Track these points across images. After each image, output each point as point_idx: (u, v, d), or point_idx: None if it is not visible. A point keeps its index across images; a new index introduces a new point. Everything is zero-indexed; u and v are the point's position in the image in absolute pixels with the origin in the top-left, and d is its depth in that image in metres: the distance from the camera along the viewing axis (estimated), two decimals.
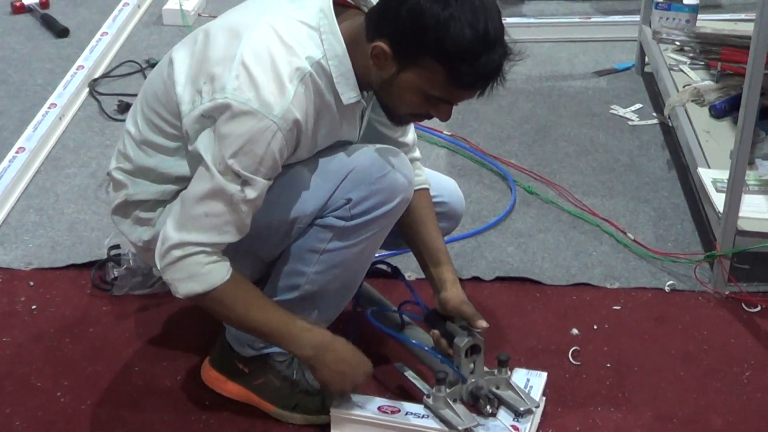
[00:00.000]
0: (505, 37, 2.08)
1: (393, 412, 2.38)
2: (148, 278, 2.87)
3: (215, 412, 2.49)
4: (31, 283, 2.93)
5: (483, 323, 2.38)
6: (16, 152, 3.44)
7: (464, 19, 2.00)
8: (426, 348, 2.44)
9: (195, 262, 2.13)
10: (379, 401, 2.41)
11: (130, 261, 2.88)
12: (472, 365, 2.39)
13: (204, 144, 2.11)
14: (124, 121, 3.51)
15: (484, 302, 2.70)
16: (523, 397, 2.42)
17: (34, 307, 2.84)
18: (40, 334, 2.73)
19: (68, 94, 3.83)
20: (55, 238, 3.11)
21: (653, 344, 2.76)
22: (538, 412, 2.45)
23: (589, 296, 2.95)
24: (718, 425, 2.50)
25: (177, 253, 2.13)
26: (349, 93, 2.17)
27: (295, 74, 2.09)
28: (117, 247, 2.94)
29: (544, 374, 2.55)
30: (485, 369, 2.42)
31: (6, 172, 3.33)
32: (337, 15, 2.15)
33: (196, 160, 2.18)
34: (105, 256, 2.94)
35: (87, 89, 3.96)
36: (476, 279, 2.96)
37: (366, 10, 2.18)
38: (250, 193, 2.10)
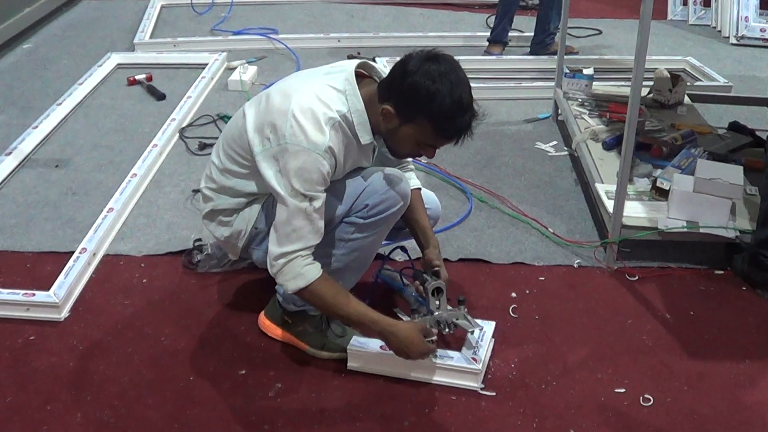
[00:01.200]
0: (474, 104, 2.13)
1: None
2: (221, 261, 2.87)
3: (269, 349, 2.51)
4: (143, 265, 2.94)
5: (443, 273, 2.42)
6: (131, 177, 3.44)
7: (446, 91, 2.04)
8: (413, 294, 2.51)
9: (296, 265, 2.13)
10: (381, 342, 2.38)
11: (209, 249, 2.88)
12: (437, 302, 2.40)
13: (276, 180, 2.12)
14: (204, 155, 3.69)
15: (451, 276, 2.71)
16: (471, 322, 2.44)
17: (144, 281, 2.85)
18: (149, 299, 2.74)
19: (165, 137, 3.82)
20: (158, 235, 3.12)
21: (567, 303, 2.77)
22: (489, 348, 2.45)
23: (523, 271, 2.94)
24: (610, 356, 2.52)
25: (282, 261, 2.14)
26: (365, 136, 2.21)
27: (329, 122, 2.14)
28: (200, 240, 2.95)
29: (493, 323, 2.57)
30: (448, 308, 2.42)
31: (125, 190, 3.33)
32: (357, 82, 2.19)
33: (262, 183, 2.21)
34: (191, 246, 2.95)
35: (177, 134, 3.95)
36: (446, 260, 2.91)
37: (377, 80, 2.23)
38: (316, 204, 2.13)
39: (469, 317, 2.44)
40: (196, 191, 3.26)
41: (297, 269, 2.14)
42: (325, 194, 2.14)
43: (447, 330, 2.39)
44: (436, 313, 2.40)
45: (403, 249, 2.69)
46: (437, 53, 2.09)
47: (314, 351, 2.46)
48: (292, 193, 2.09)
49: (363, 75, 2.24)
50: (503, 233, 3.16)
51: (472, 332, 2.42)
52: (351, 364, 2.42)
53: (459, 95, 2.05)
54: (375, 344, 2.41)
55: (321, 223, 2.15)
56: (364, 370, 2.41)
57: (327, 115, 2.12)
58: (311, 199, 2.10)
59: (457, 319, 2.43)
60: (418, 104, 2.06)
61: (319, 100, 2.13)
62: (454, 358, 2.37)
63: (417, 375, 2.38)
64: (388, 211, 2.26)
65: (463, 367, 2.36)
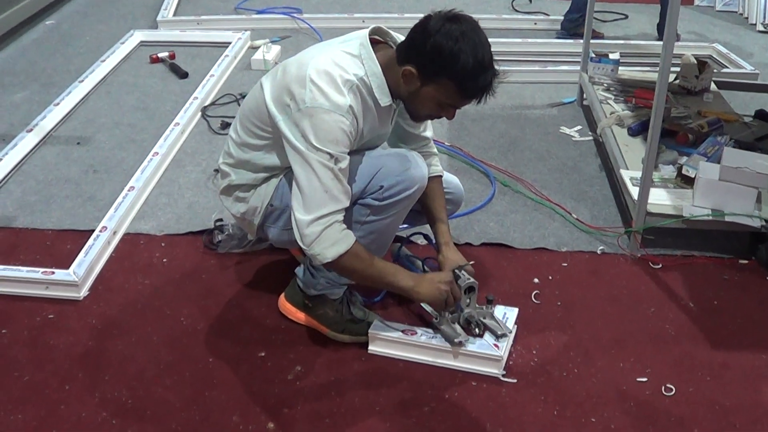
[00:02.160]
0: (495, 63, 2.10)
1: (411, 334, 2.39)
2: (242, 241, 2.85)
3: (289, 332, 2.50)
4: (163, 244, 2.93)
5: (470, 267, 2.41)
6: (152, 155, 3.43)
7: (468, 51, 2.02)
8: None
9: (334, 231, 2.09)
10: (403, 327, 2.42)
11: (230, 229, 2.87)
12: (468, 300, 2.39)
13: (300, 145, 2.08)
14: (225, 134, 3.61)
15: (473, 260, 2.68)
16: (501, 325, 2.43)
17: (165, 260, 2.84)
18: (169, 279, 2.73)
19: (187, 116, 3.81)
20: (179, 214, 3.11)
21: (589, 289, 2.75)
22: (512, 335, 2.45)
23: (545, 257, 2.92)
24: (632, 344, 2.50)
25: (317, 227, 2.08)
26: (384, 99, 2.18)
27: (347, 84, 2.11)
28: (220, 220, 2.93)
29: (516, 309, 2.55)
30: (476, 305, 2.41)
31: (146, 169, 3.32)
32: (372, 48, 2.17)
33: (283, 155, 2.19)
34: (212, 226, 2.93)
35: (200, 113, 3.93)
36: (468, 244, 2.93)
37: (393, 45, 2.21)
38: (342, 164, 2.09)
39: (498, 319, 2.44)
40: (218, 171, 3.22)
41: (336, 234, 2.10)
42: (349, 157, 2.11)
43: (477, 330, 2.38)
44: (467, 311, 2.38)
45: (427, 237, 2.67)
46: (457, 14, 2.07)
47: (334, 334, 2.45)
48: (317, 154, 2.06)
49: (377, 41, 2.21)
50: (526, 218, 3.13)
51: (500, 336, 2.39)
52: (372, 348, 2.41)
53: (481, 54, 2.03)
54: (396, 328, 2.40)
55: (347, 185, 2.11)
56: (385, 355, 2.40)
57: (344, 77, 2.10)
58: (337, 159, 2.07)
59: (484, 318, 2.42)
60: (441, 64, 2.04)
61: (336, 64, 2.10)
62: (476, 344, 2.36)
63: (438, 360, 2.37)
64: (404, 193, 2.22)
65: (484, 353, 2.34)
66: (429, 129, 2.53)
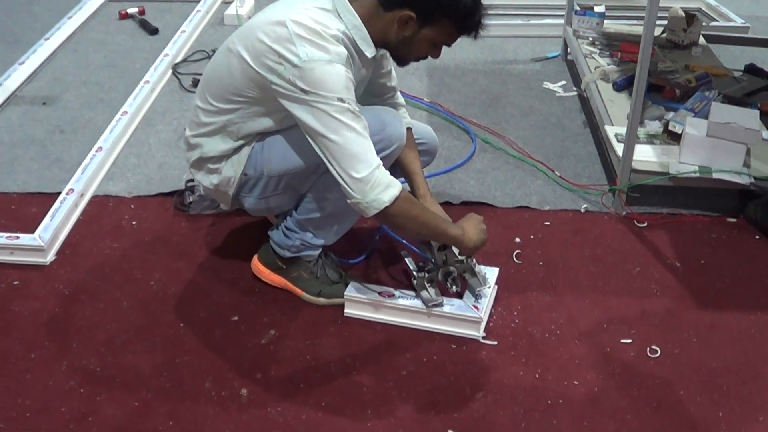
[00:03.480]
0: None
1: (388, 296, 2.37)
2: (214, 202, 2.80)
3: (263, 295, 2.48)
4: (132, 206, 2.89)
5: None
6: (121, 114, 3.39)
7: None
8: (415, 248, 2.50)
9: (383, 174, 2.05)
10: (380, 288, 2.40)
11: (201, 190, 2.82)
12: (444, 256, 2.37)
13: (305, 110, 2.02)
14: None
15: (453, 220, 2.67)
16: (480, 278, 2.40)
17: (134, 222, 2.81)
18: (138, 242, 2.70)
19: (157, 74, 3.77)
20: (149, 175, 3.07)
21: (572, 249, 2.74)
22: (492, 295, 2.44)
23: (527, 215, 2.91)
24: (616, 305, 2.49)
25: (364, 172, 2.02)
26: (369, 50, 2.16)
27: (333, 37, 2.07)
28: (192, 181, 2.88)
29: (496, 269, 2.54)
30: (455, 259, 2.38)
31: (115, 129, 3.28)
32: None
33: (252, 122, 2.16)
34: (183, 187, 2.90)
35: (170, 70, 3.88)
36: (447, 203, 2.91)
37: None
38: (355, 106, 2.05)
39: (478, 271, 2.42)
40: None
41: (386, 178, 2.06)
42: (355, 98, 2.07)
43: (455, 288, 2.35)
44: (443, 267, 2.37)
45: None
46: None
47: (310, 297, 2.44)
48: (336, 105, 2.00)
49: None
50: (508, 176, 3.12)
51: (478, 293, 2.38)
52: (348, 311, 2.40)
53: None
54: (373, 290, 2.39)
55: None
56: (362, 317, 2.39)
57: (328, 32, 2.05)
58: (350, 102, 2.03)
59: (464, 273, 2.40)
60: (441, 3, 2.07)
61: (314, 20, 2.06)
62: (455, 305, 2.34)
63: (416, 322, 2.35)
64: (383, 152, 2.19)
65: (464, 315, 2.33)
66: (394, 79, 2.50)
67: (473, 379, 2.21)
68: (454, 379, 2.20)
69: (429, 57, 2.22)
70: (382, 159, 2.16)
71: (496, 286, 2.48)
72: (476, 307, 2.35)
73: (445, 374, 2.22)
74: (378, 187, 2.04)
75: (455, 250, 2.36)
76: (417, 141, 2.49)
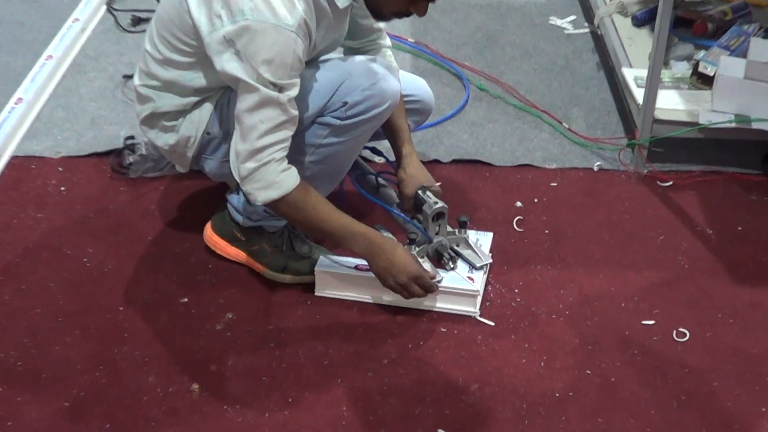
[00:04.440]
0: None
1: (366, 270, 2.34)
2: (158, 163, 2.81)
3: (217, 272, 2.48)
4: (60, 169, 2.87)
5: (437, 188, 2.44)
6: (46, 59, 3.35)
7: None
8: (395, 211, 2.45)
9: (269, 172, 2.09)
10: (357, 261, 2.37)
11: (143, 149, 2.81)
12: (437, 228, 2.39)
13: (233, 66, 2.04)
14: (138, 32, 3.59)
15: (442, 181, 2.66)
16: (478, 254, 2.42)
17: (63, 188, 2.78)
18: (68, 211, 2.69)
19: (89, 10, 3.72)
20: (80, 131, 3.04)
21: (584, 214, 2.75)
22: (488, 266, 2.45)
23: (530, 175, 2.91)
24: (636, 280, 2.50)
25: (251, 165, 2.09)
26: (342, 2, 2.16)
27: None
28: (132, 137, 2.87)
29: (490, 234, 2.56)
30: (447, 229, 2.41)
31: (37, 76, 3.24)
32: None
33: (213, 75, 2.15)
34: (122, 145, 2.87)
35: (105, 6, 3.84)
36: (436, 161, 2.93)
37: None
38: (291, 92, 2.07)
39: (473, 245, 2.44)
40: (128, 77, 3.19)
41: (271, 176, 2.10)
42: (299, 80, 2.10)
43: (451, 265, 2.38)
44: (437, 240, 2.39)
45: (376, 151, 2.66)
46: None
47: (273, 274, 2.44)
48: (259, 80, 2.03)
49: None
50: (507, 129, 3.12)
51: (478, 268, 2.39)
52: (319, 290, 2.40)
53: None
54: (348, 264, 2.39)
55: (296, 112, 2.11)
56: (336, 297, 2.40)
57: None
58: (282, 88, 2.05)
59: (458, 245, 2.43)
60: None
61: None
62: (445, 277, 2.35)
63: (399, 301, 2.34)
64: (372, 111, 2.21)
65: (456, 288, 2.34)
66: None
67: (467, 368, 2.20)
68: (444, 369, 2.20)
69: (414, 14, 2.23)
70: (369, 119, 2.21)
71: (491, 255, 2.48)
72: (471, 279, 2.35)
73: (434, 363, 2.21)
74: (256, 183, 2.11)
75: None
76: (407, 97, 2.49)
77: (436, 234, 2.39)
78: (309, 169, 2.27)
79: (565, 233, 2.66)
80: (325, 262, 2.41)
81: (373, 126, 2.28)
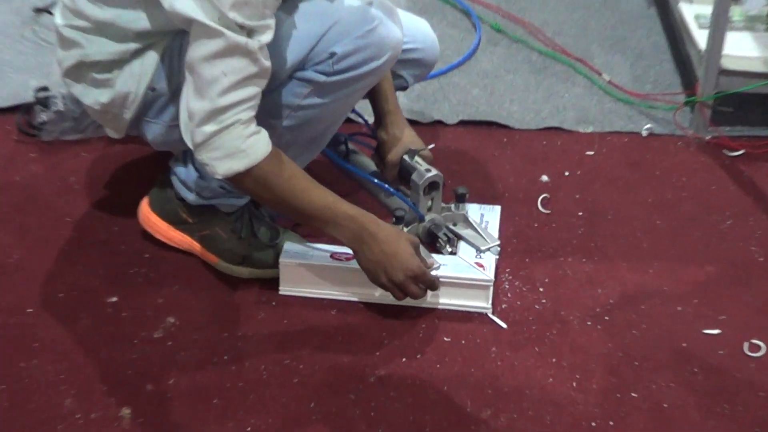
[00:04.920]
0: None
1: (348, 259, 2.36)
2: (79, 122, 2.81)
3: (156, 264, 2.49)
4: None
5: (427, 152, 2.50)
6: None
7: None
8: (375, 180, 2.50)
9: (234, 137, 2.07)
10: (332, 248, 2.40)
11: (60, 104, 2.81)
12: (429, 202, 2.42)
13: (187, 4, 2.00)
14: None
15: (446, 148, 2.66)
16: (482, 233, 2.43)
17: None
18: None
19: None
20: None
21: (628, 191, 2.76)
22: (496, 251, 2.48)
23: (560, 141, 2.94)
24: (696, 277, 2.49)
25: (210, 127, 2.06)
26: None
27: None
28: (45, 89, 2.87)
29: (497, 208, 2.60)
30: (442, 205, 2.45)
31: None
32: None
33: (161, 15, 2.12)
34: (32, 99, 2.88)
35: None
36: (439, 123, 2.94)
37: None
38: (263, 38, 2.04)
39: (475, 222, 2.46)
40: (40, 11, 3.21)
41: (235, 142, 2.07)
42: (274, 21, 2.07)
43: (449, 249, 2.41)
44: (429, 217, 2.41)
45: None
46: None
47: (229, 266, 2.46)
48: (222, 22, 1.99)
49: None
50: (530, 82, 3.15)
51: (485, 252, 2.41)
52: (286, 287, 2.41)
53: None
54: (322, 253, 2.40)
55: (269, 63, 2.09)
56: (307, 295, 2.40)
57: None
58: (252, 31, 2.02)
59: (455, 225, 2.45)
60: None
61: None
62: (448, 264, 2.37)
63: (389, 299, 2.33)
64: (367, 65, 2.21)
65: (462, 278, 2.35)
66: None
67: (477, 389, 2.18)
68: (448, 390, 2.18)
69: None
70: (362, 74, 2.21)
71: (498, 239, 2.51)
72: (480, 265, 2.36)
73: (434, 382, 2.20)
74: (216, 151, 2.08)
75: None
76: (404, 45, 2.44)
77: (429, 210, 2.41)
78: (282, 137, 2.27)
79: (604, 216, 2.67)
80: (292, 250, 2.41)
81: (367, 84, 2.30)
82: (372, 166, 2.57)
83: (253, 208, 2.47)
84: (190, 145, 2.13)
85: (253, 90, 2.08)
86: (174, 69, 2.25)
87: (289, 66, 2.20)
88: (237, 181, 2.14)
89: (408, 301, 2.33)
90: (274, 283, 2.42)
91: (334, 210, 2.21)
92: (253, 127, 2.10)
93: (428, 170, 2.39)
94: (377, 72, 2.25)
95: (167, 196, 2.48)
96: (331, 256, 2.39)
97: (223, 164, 2.09)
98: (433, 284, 2.29)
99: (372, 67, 2.22)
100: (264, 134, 2.12)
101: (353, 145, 2.61)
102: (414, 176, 2.39)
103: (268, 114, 2.21)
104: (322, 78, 2.20)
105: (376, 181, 2.48)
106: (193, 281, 2.45)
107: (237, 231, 2.45)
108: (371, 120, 2.61)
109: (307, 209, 2.21)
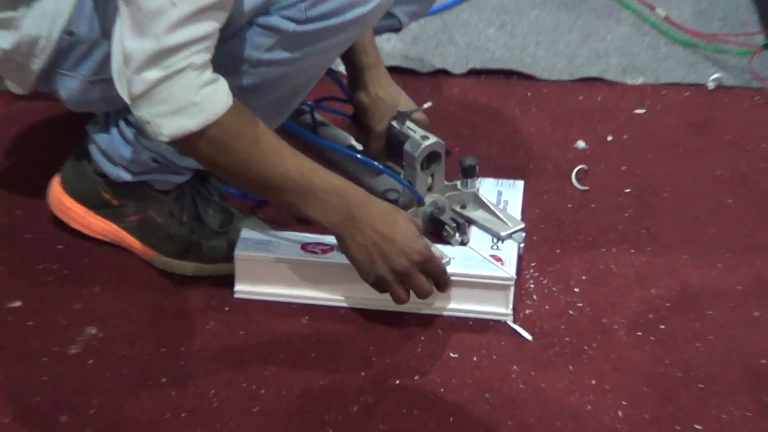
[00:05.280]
0: None
1: (324, 251, 2.38)
2: None
3: (72, 259, 2.50)
4: None
5: (421, 115, 2.55)
6: None
7: None
8: (358, 156, 2.55)
9: (185, 86, 2.03)
10: (303, 237, 2.40)
11: None
12: (429, 179, 2.44)
13: None
14: None
15: (451, 105, 2.65)
16: (501, 217, 2.45)
17: None
18: None
19: None
20: None
21: (691, 161, 2.79)
22: (521, 239, 2.49)
23: (601, 96, 2.99)
24: None
25: (154, 74, 2.01)
26: None
27: None
28: None
29: (520, 183, 2.64)
30: (446, 182, 2.47)
31: None
32: None
33: None
34: None
35: None
36: (443, 73, 2.99)
37: None
38: None
39: (489, 202, 2.48)
40: None
41: (187, 93, 2.04)
42: None
43: (458, 236, 2.42)
44: (430, 199, 2.44)
45: None
46: None
47: (167, 261, 2.48)
48: None
49: None
50: (562, 19, 3.24)
51: (504, 238, 2.43)
52: (242, 288, 2.42)
53: None
54: (290, 243, 2.40)
55: None
56: (269, 298, 2.41)
57: None
58: None
59: (463, 208, 2.47)
60: None
61: None
62: (456, 258, 2.37)
63: (378, 301, 2.35)
64: (350, 12, 2.21)
65: (475, 275, 2.34)
66: None
67: (493, 420, 2.17)
68: (455, 423, 2.16)
69: None
70: (343, 24, 2.21)
71: (524, 229, 2.51)
72: (498, 259, 2.35)
73: (437, 412, 2.18)
74: (161, 105, 2.04)
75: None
76: None
77: (429, 190, 2.43)
78: (243, 90, 2.27)
79: (659, 193, 2.70)
80: (251, 240, 2.41)
81: (348, 38, 2.32)
82: (348, 139, 2.61)
83: (198, 184, 2.47)
84: (125, 98, 2.07)
85: (210, 26, 2.04)
86: (100, 7, 2.23)
87: (248, 8, 2.19)
88: (188, 144, 2.10)
89: (406, 306, 2.33)
90: (227, 281, 2.42)
91: (312, 180, 2.18)
92: (209, 74, 2.06)
93: (425, 137, 2.40)
94: (362, 21, 2.25)
95: (84, 171, 2.48)
96: (303, 248, 2.38)
97: (170, 122, 2.05)
98: (445, 276, 2.28)
99: (356, 15, 2.21)
100: (223, 84, 2.08)
101: (320, 115, 2.65)
102: (407, 146, 2.40)
103: (218, 69, 2.18)
104: (291, 26, 2.19)
105: (359, 156, 2.50)
106: (120, 281, 2.45)
107: (177, 214, 2.46)
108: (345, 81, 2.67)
109: (278, 180, 2.17)
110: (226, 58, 2.19)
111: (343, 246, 2.24)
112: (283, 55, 2.23)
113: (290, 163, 2.18)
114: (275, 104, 2.36)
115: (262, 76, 2.26)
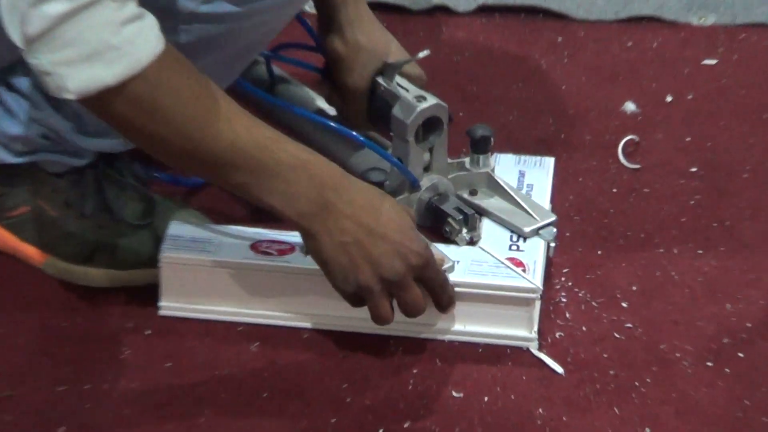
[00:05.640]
0: None
1: (281, 252, 2.33)
2: None
3: None
4: None
5: (416, 69, 2.54)
6: None
7: None
8: (330, 123, 2.53)
9: (100, 23, 1.94)
10: (254, 234, 2.38)
11: None
12: (427, 154, 2.40)
13: None
14: None
15: (457, 53, 2.60)
16: (524, 206, 2.43)
17: None
18: None
19: None
20: None
21: None
22: (553, 237, 2.46)
23: (656, 42, 3.07)
24: None
25: (58, 6, 1.91)
26: None
27: None
28: None
29: (550, 160, 2.62)
30: (450, 159, 2.42)
31: None
32: None
33: None
34: None
35: None
36: (442, 11, 3.08)
37: None
38: None
39: (509, 186, 2.47)
40: None
41: (102, 33, 1.94)
42: None
43: (465, 232, 2.39)
44: (429, 182, 2.44)
45: None
46: None
47: (67, 267, 2.44)
48: None
49: None
50: None
51: (529, 234, 2.40)
52: (169, 303, 2.38)
53: None
54: (238, 240, 2.38)
55: None
56: (205, 316, 2.38)
57: None
58: None
59: (471, 193, 2.45)
60: None
61: None
62: (462, 262, 2.33)
63: (358, 321, 2.30)
64: None
65: (488, 285, 2.29)
66: None
67: None
68: None
69: None
70: None
71: (555, 221, 2.47)
72: (518, 263, 2.29)
73: None
74: (67, 49, 1.95)
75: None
76: None
77: (426, 170, 2.38)
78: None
79: (736, 174, 2.71)
80: (182, 237, 2.38)
81: None
82: (317, 101, 2.62)
83: (108, 167, 2.45)
84: (17, 40, 1.96)
85: None
86: None
87: None
88: (102, 103, 2.00)
89: (392, 328, 2.27)
90: (150, 294, 2.37)
91: (273, 153, 2.11)
92: (133, 7, 1.97)
93: (420, 98, 2.36)
94: None
95: None
96: (253, 247, 2.35)
97: (78, 72, 1.95)
98: (447, 288, 2.23)
99: None
100: (150, 21, 2.01)
101: (280, 68, 2.65)
102: (396, 110, 2.36)
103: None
104: None
105: (331, 123, 2.48)
106: (2, 298, 2.38)
107: (76, 205, 2.43)
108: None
109: (225, 153, 2.09)
110: (155, 9, 2.09)
111: (312, 244, 2.16)
112: (225, 8, 2.23)
113: (242, 130, 2.09)
114: (223, 62, 2.35)
115: (199, 33, 2.25)
